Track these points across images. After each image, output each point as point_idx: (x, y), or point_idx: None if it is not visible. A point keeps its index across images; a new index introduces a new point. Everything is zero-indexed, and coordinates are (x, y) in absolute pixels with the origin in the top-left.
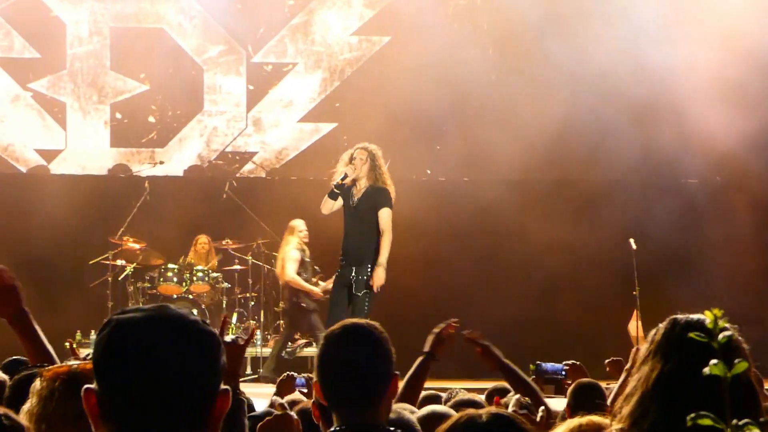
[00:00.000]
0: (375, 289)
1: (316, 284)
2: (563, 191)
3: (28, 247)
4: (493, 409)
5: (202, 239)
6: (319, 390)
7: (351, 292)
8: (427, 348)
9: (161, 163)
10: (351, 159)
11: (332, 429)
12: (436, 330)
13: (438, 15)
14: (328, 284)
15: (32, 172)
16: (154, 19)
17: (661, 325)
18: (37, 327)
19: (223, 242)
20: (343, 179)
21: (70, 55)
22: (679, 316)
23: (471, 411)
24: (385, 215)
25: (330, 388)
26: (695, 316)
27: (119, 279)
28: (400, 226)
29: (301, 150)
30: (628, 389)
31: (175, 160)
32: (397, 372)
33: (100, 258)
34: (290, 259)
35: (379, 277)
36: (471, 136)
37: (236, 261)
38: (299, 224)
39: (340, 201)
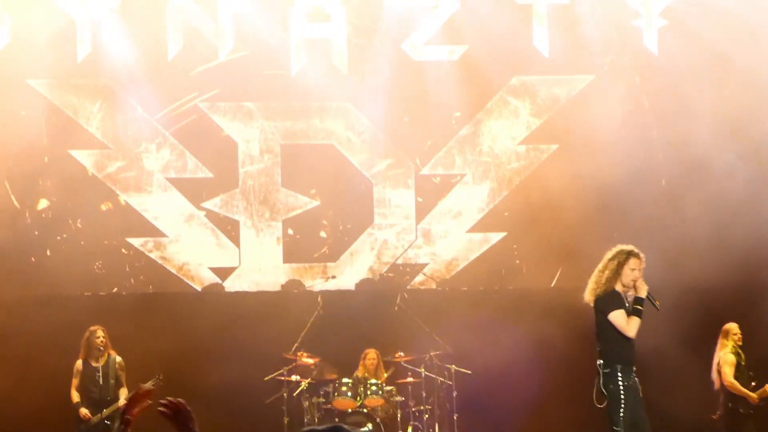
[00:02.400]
0: None
1: (753, 389)
2: (739, 294)
3: (205, 365)
4: None
5: (371, 354)
6: None
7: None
8: None
9: (333, 277)
10: (622, 266)
11: None
12: None
13: (606, 122)
14: (766, 390)
15: (207, 290)
16: (324, 135)
17: None
18: None
19: (396, 355)
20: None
21: (242, 173)
22: None
23: None
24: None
25: None
26: None
27: (294, 395)
28: (577, 335)
29: (470, 260)
30: None
31: (347, 273)
32: None
33: (275, 374)
34: (727, 362)
35: None
36: (642, 243)
37: (409, 374)
38: (733, 327)
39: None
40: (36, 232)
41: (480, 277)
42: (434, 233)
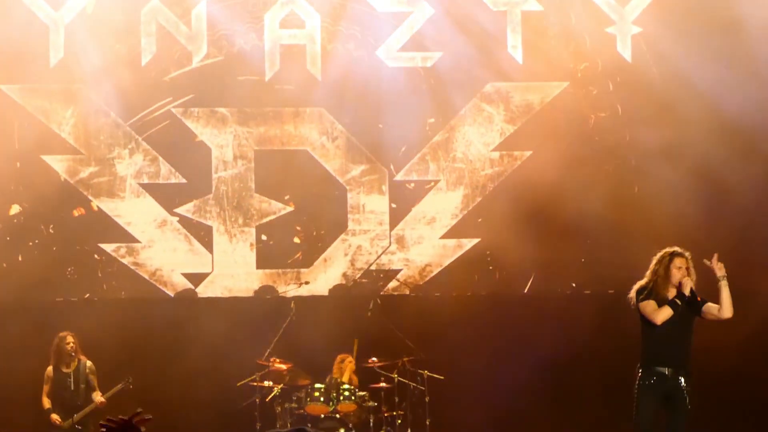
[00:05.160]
0: None
1: None
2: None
3: (175, 370)
4: None
5: (349, 359)
6: None
7: (673, 403)
8: None
9: (307, 283)
10: (669, 266)
11: None
12: None
13: (579, 128)
14: None
15: (180, 296)
16: (298, 140)
17: None
18: None
19: (369, 360)
20: (691, 292)
21: (215, 179)
22: None
23: None
24: None
25: None
26: None
27: (267, 400)
28: (545, 341)
29: (444, 266)
30: None
31: (321, 279)
32: None
33: (247, 380)
34: None
35: None
36: (616, 247)
37: (382, 379)
38: None
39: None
40: (8, 238)
41: (453, 283)
42: (408, 239)
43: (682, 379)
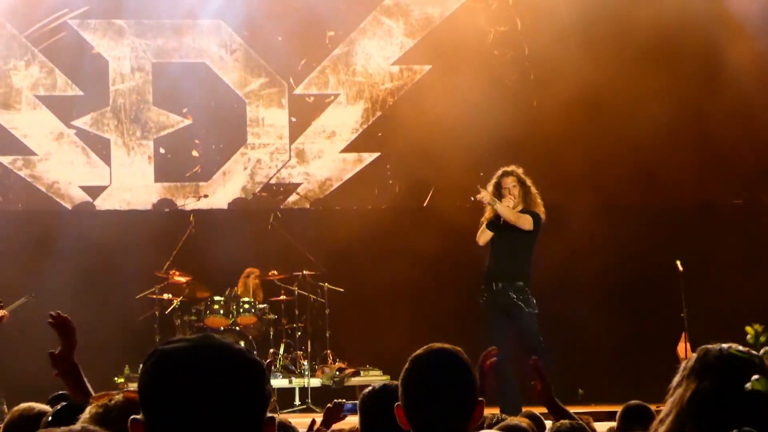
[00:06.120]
0: None
1: None
2: (607, 215)
3: (75, 283)
4: None
5: (256, 273)
6: (402, 414)
7: (515, 315)
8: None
9: (205, 196)
10: (500, 187)
11: None
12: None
13: (478, 42)
14: None
15: (77, 209)
16: (196, 53)
17: (694, 354)
18: (84, 379)
19: (269, 273)
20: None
21: (112, 91)
22: (711, 345)
23: None
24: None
25: (414, 412)
26: (728, 344)
27: (166, 313)
28: (448, 253)
29: (344, 180)
30: (662, 412)
31: (220, 193)
32: (481, 398)
33: (146, 292)
34: None
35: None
36: (514, 161)
37: (282, 292)
38: None
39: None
40: None
41: (353, 197)
42: (308, 153)
43: (513, 292)
